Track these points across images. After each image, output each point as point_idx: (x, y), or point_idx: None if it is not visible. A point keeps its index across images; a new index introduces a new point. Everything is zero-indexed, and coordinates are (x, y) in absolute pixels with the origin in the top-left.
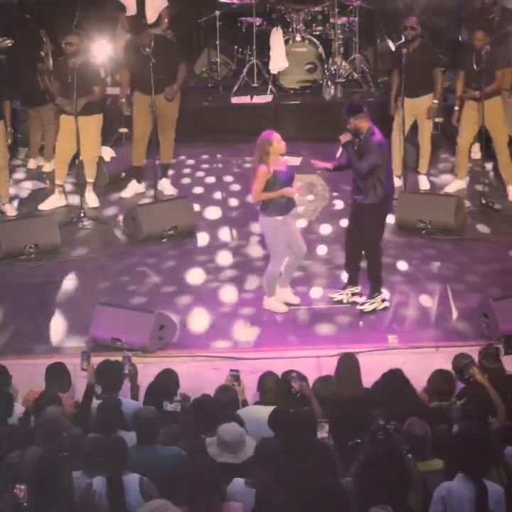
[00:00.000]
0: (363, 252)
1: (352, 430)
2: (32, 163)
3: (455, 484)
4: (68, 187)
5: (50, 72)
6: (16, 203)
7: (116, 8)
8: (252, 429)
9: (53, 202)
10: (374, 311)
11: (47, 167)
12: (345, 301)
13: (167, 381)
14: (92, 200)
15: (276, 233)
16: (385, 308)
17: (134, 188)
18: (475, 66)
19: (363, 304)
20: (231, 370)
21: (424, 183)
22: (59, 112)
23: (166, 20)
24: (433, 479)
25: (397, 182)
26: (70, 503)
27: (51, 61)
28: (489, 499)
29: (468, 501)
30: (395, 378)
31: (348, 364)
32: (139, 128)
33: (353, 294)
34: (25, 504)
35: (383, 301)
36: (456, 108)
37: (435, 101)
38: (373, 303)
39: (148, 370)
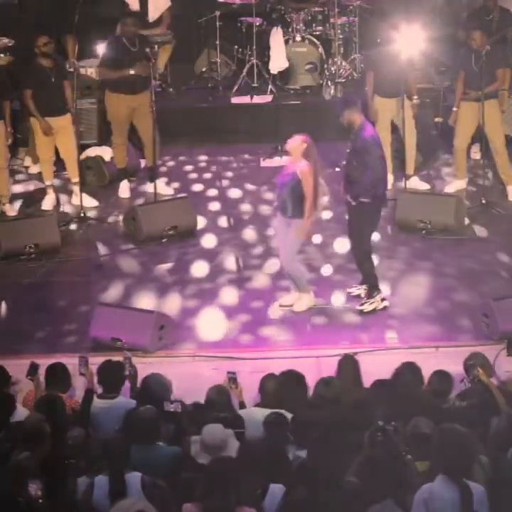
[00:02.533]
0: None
1: (353, 431)
2: (31, 165)
3: (436, 486)
4: (68, 187)
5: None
6: (16, 203)
7: (118, 5)
8: (251, 430)
9: (49, 202)
10: (374, 310)
11: (34, 169)
12: (362, 295)
13: (157, 390)
14: (86, 200)
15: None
16: (385, 307)
17: (126, 187)
18: (474, 66)
19: (362, 304)
20: (228, 372)
21: (419, 184)
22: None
23: (168, 20)
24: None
25: (389, 178)
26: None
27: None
28: (474, 500)
29: (451, 503)
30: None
31: (349, 365)
32: (120, 130)
33: None
34: (40, 501)
35: (383, 300)
36: (455, 109)
37: (415, 97)
38: (373, 302)
39: (148, 370)
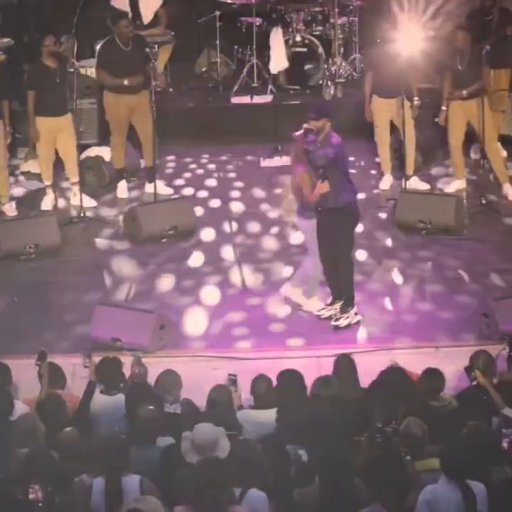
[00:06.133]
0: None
1: (352, 430)
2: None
3: (440, 487)
4: (68, 187)
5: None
6: (15, 203)
7: (112, 13)
8: (254, 432)
9: (49, 202)
10: (349, 325)
11: (34, 169)
12: (335, 312)
13: (164, 383)
14: (85, 200)
15: None
16: (359, 321)
17: (124, 187)
18: (459, 66)
19: (337, 319)
20: (229, 375)
21: (419, 184)
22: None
23: (165, 20)
24: (431, 479)
25: (389, 178)
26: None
27: None
28: (477, 500)
29: (455, 504)
30: (396, 375)
31: (346, 365)
32: (118, 131)
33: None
34: (40, 504)
35: (356, 314)
36: (443, 108)
37: (416, 98)
38: (347, 317)
39: (148, 370)
